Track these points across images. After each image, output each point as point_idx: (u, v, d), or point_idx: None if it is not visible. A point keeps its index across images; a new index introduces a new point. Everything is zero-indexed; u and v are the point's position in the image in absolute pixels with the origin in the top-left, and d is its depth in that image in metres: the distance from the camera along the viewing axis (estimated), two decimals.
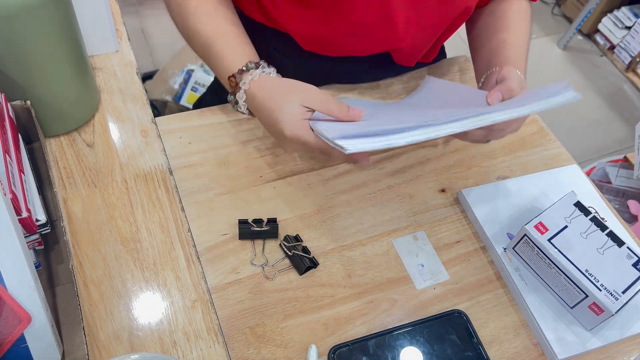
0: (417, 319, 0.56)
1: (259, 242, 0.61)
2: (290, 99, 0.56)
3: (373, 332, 0.55)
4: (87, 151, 0.64)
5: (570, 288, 0.56)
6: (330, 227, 0.63)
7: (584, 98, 2.24)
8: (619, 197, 1.50)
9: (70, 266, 0.50)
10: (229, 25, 0.64)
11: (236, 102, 0.62)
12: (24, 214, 0.48)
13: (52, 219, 0.56)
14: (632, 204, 1.46)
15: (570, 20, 2.53)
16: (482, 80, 0.68)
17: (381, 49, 0.71)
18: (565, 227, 0.59)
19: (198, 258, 0.58)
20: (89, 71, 0.64)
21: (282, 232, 0.61)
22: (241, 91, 0.60)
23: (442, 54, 0.89)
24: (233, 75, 0.60)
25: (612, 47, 2.35)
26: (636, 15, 2.28)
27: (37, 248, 0.53)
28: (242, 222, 0.60)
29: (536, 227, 0.59)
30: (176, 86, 1.64)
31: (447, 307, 0.58)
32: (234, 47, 0.63)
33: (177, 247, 0.58)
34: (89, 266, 0.55)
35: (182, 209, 0.61)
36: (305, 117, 0.56)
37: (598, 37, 2.43)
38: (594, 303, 0.55)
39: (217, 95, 0.88)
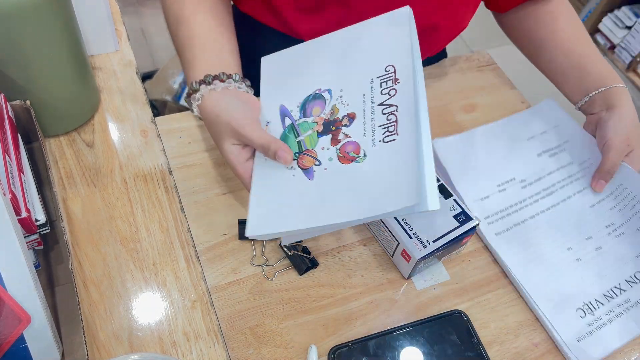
0: (418, 319, 0.56)
1: (258, 242, 0.61)
2: (224, 137, 0.56)
3: (373, 332, 0.55)
4: (87, 151, 0.64)
5: (388, 236, 0.58)
6: None
7: None
8: None
9: (70, 266, 0.50)
10: (207, 31, 0.62)
11: (190, 105, 0.60)
12: (24, 214, 0.48)
13: (52, 219, 0.56)
14: None
15: None
16: (585, 100, 0.70)
17: None
18: None
19: (198, 258, 0.58)
20: (88, 71, 0.64)
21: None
22: (194, 106, 0.59)
23: (442, 53, 0.89)
24: (191, 84, 0.59)
25: (613, 47, 2.35)
26: (636, 15, 2.28)
27: (36, 248, 0.53)
28: (242, 222, 0.60)
29: None
30: (176, 86, 1.64)
31: (448, 307, 0.58)
32: (199, 56, 0.60)
33: (176, 247, 0.58)
34: (88, 266, 0.55)
35: (182, 209, 0.61)
36: (237, 152, 0.56)
37: (598, 37, 2.43)
38: (404, 250, 0.56)
39: None
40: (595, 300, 0.59)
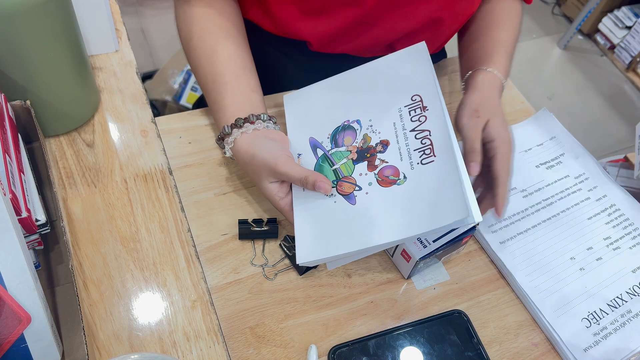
0: (417, 319, 0.56)
1: (259, 242, 0.61)
2: (261, 176, 0.58)
3: (373, 332, 0.55)
4: (87, 151, 0.64)
5: None
6: None
7: (584, 98, 2.24)
8: None
9: (70, 266, 0.50)
10: (230, 68, 0.63)
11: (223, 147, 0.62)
12: (24, 214, 0.48)
13: (52, 219, 0.56)
14: None
15: (570, 20, 2.53)
16: (466, 78, 0.69)
17: (386, 38, 0.71)
18: None
19: (198, 258, 0.58)
20: (89, 71, 0.64)
21: (283, 232, 0.61)
22: (227, 149, 0.60)
23: (442, 53, 0.89)
24: (221, 136, 0.61)
25: (613, 47, 2.35)
26: (636, 15, 2.28)
27: (36, 248, 0.53)
28: (242, 222, 0.60)
29: None
30: (176, 86, 1.64)
31: (447, 307, 0.58)
32: (232, 95, 0.62)
33: (177, 247, 0.58)
34: (88, 266, 0.55)
35: (182, 209, 0.61)
36: (277, 190, 0.58)
37: (598, 37, 2.43)
38: (404, 250, 0.57)
39: None
40: (600, 309, 0.59)
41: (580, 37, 2.50)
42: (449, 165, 0.53)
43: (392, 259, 0.60)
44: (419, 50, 0.62)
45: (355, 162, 0.58)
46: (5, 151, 0.50)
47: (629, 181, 1.52)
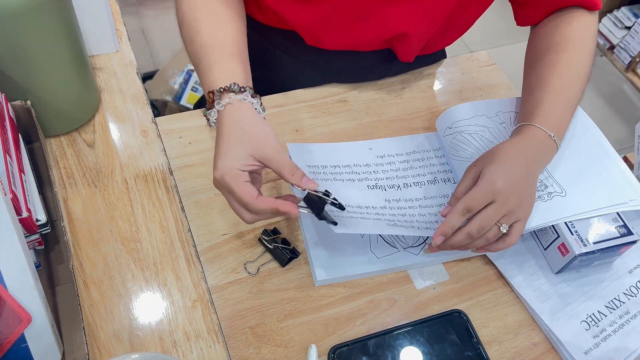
0: (417, 318, 0.56)
1: (255, 245, 0.61)
2: (243, 145, 0.52)
3: (373, 332, 0.55)
4: (88, 151, 0.64)
5: (547, 229, 0.60)
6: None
7: (583, 98, 2.25)
8: None
9: (71, 266, 0.50)
10: (227, 38, 0.60)
11: (208, 119, 0.57)
12: (24, 214, 0.48)
13: (53, 219, 0.56)
14: None
15: None
16: (516, 121, 0.65)
17: (382, 35, 0.71)
18: None
19: (198, 258, 0.58)
20: (89, 71, 0.64)
21: (285, 233, 0.61)
22: (214, 110, 0.55)
23: (442, 54, 0.89)
24: (212, 92, 0.55)
25: (612, 47, 2.35)
26: (636, 16, 2.28)
27: (37, 248, 0.53)
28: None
29: None
30: (176, 86, 1.64)
31: (447, 307, 0.58)
32: (225, 62, 0.58)
33: (177, 247, 0.58)
34: (89, 266, 0.56)
35: (182, 209, 0.61)
36: (245, 170, 0.52)
37: (598, 38, 2.43)
38: (563, 244, 0.58)
39: None
40: (599, 311, 0.59)
41: None
42: None
43: (544, 253, 0.62)
44: None
45: None
46: (6, 151, 0.50)
47: None
